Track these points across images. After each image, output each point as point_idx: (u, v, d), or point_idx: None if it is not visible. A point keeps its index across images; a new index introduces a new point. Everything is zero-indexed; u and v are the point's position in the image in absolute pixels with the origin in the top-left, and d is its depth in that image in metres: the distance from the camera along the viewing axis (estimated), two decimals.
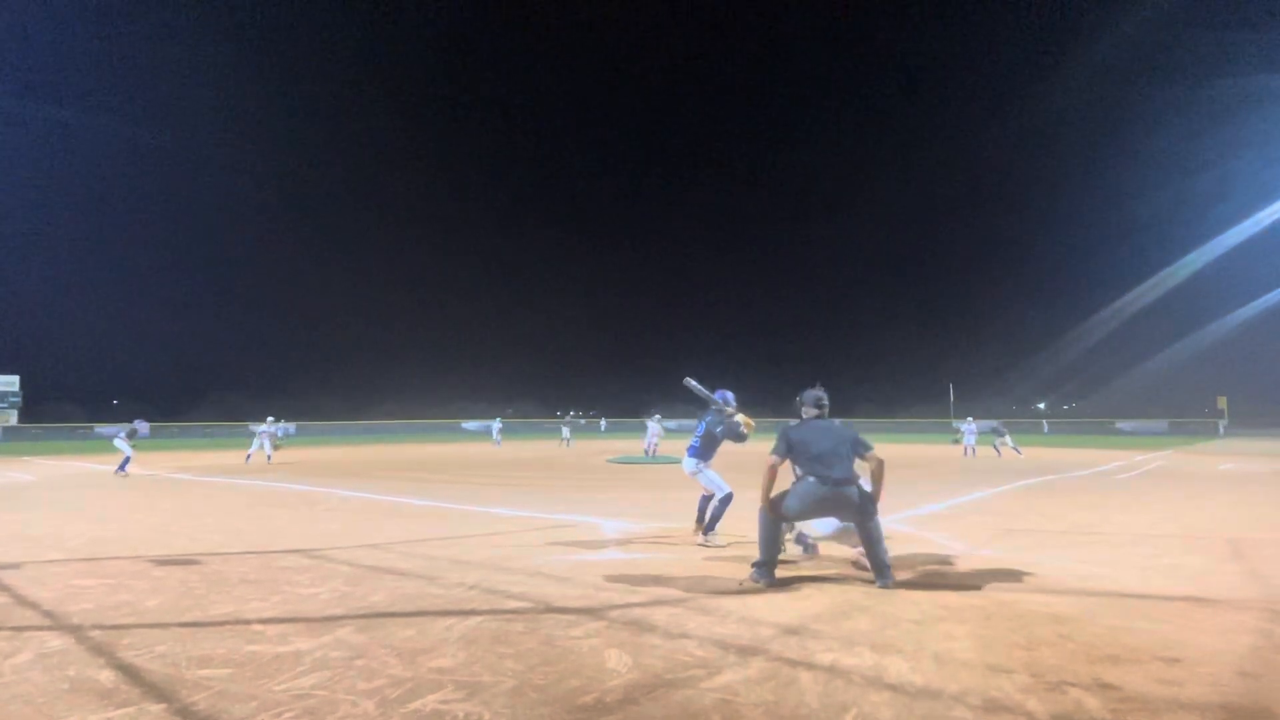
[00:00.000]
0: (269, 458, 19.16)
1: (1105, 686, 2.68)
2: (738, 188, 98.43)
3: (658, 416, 23.48)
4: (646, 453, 22.03)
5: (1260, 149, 49.69)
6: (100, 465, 18.41)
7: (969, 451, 21.88)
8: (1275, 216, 49.91)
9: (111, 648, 3.20)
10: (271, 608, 3.91)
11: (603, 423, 38.94)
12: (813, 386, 5.07)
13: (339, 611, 3.82)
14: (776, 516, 4.67)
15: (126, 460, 14.69)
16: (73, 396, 55.46)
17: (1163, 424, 47.47)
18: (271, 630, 3.48)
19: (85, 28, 67.49)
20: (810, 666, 2.92)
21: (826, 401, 5.00)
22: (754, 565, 4.62)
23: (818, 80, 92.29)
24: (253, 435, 20.06)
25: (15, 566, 5.16)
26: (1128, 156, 65.77)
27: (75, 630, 3.49)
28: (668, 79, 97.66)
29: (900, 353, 71.54)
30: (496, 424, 31.85)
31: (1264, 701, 2.56)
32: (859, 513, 4.58)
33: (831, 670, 2.88)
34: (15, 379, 48.32)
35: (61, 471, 16.52)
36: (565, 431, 31.79)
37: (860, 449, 4.71)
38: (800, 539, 5.61)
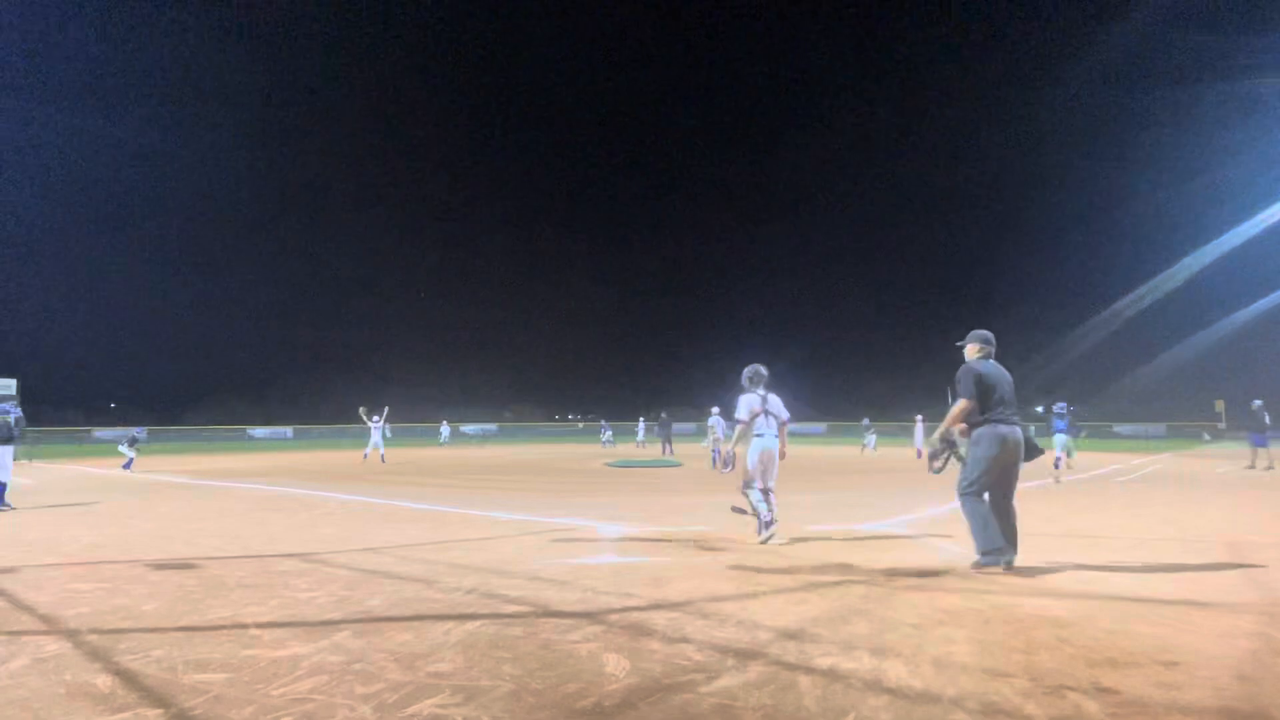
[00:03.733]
0: (370, 455, 20.31)
1: (1104, 690, 2.67)
2: (733, 189, 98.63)
3: (717, 410, 18.06)
4: (714, 464, 16.75)
5: (1259, 152, 49.77)
6: (98, 469, 18.38)
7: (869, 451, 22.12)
8: (1275, 219, 49.99)
9: (108, 652, 3.19)
10: (269, 612, 3.90)
11: (607, 432, 32.80)
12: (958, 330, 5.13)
13: (336, 616, 3.81)
14: (971, 495, 4.69)
15: (129, 461, 18.09)
16: (71, 400, 55.43)
17: (1160, 427, 47.47)
18: (269, 634, 3.47)
19: (84, 30, 67.58)
20: (809, 670, 2.92)
21: (994, 341, 5.01)
22: (981, 555, 4.68)
23: (817, 79, 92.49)
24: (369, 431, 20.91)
25: (12, 570, 5.15)
26: (1125, 159, 65.90)
27: (72, 634, 3.48)
28: (667, 78, 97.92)
29: (897, 354, 71.52)
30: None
31: (1263, 705, 2.56)
32: (1019, 463, 4.68)
33: (830, 674, 2.87)
34: (13, 382, 48.18)
35: (59, 475, 16.49)
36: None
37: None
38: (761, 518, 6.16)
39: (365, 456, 20.54)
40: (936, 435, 4.97)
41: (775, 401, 6.34)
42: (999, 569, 4.60)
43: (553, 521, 7.75)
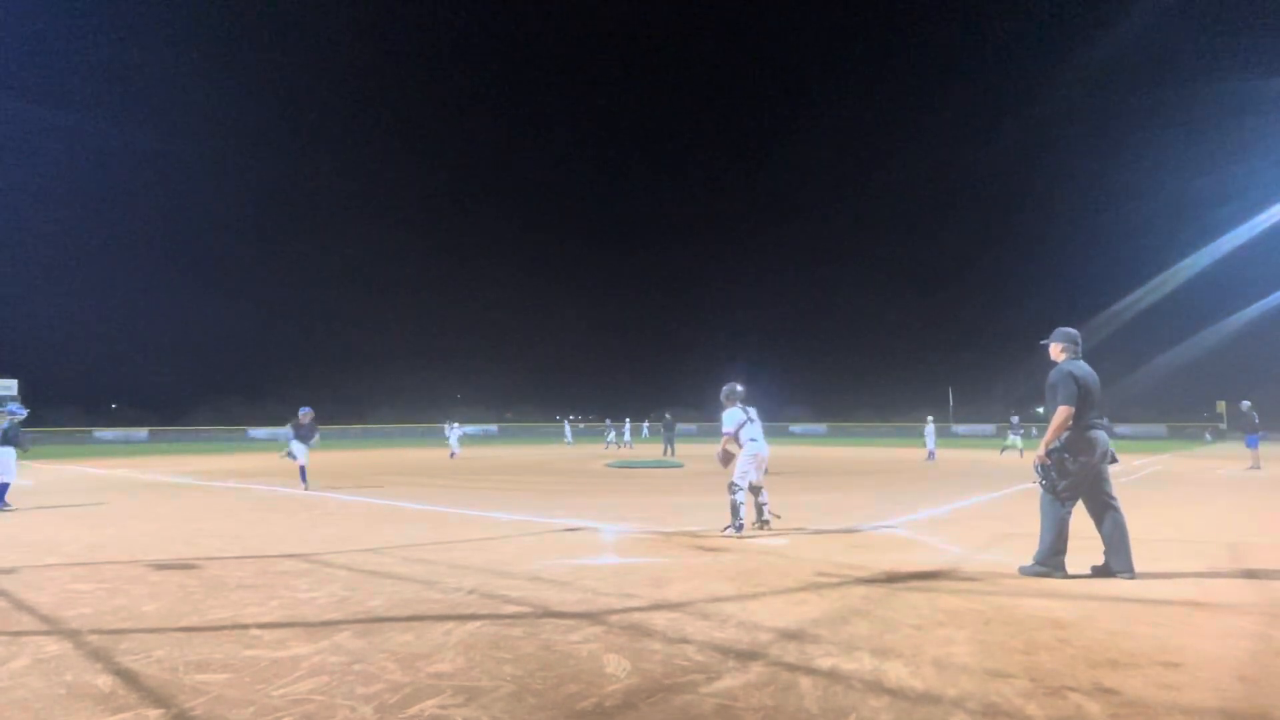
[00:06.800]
0: (456, 455, 22.31)
1: (1105, 691, 2.67)
2: (732, 189, 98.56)
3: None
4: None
5: (1260, 152, 49.71)
6: (99, 469, 18.37)
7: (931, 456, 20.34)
8: (1275, 219, 49.91)
9: (109, 652, 3.20)
10: (269, 612, 3.90)
11: (612, 433, 32.43)
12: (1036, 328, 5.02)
13: (337, 616, 3.81)
14: (1059, 497, 4.57)
15: (303, 467, 12.33)
16: (72, 400, 55.34)
17: (1161, 428, 47.43)
18: (269, 635, 3.47)
19: (84, 31, 67.60)
20: (810, 671, 2.92)
21: (1080, 340, 4.83)
22: (1037, 562, 4.62)
23: (818, 80, 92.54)
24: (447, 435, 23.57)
25: (12, 571, 5.15)
26: (1127, 159, 65.87)
27: (73, 635, 3.48)
28: (667, 78, 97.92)
29: (898, 356, 71.45)
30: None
31: (1263, 705, 2.56)
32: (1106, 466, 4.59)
33: (831, 675, 2.87)
34: (14, 383, 48.24)
35: (60, 476, 16.48)
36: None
37: None
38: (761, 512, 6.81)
39: (453, 456, 22.58)
40: (1042, 450, 4.62)
41: (754, 411, 7.03)
42: (1058, 576, 4.54)
43: (553, 522, 7.75)
